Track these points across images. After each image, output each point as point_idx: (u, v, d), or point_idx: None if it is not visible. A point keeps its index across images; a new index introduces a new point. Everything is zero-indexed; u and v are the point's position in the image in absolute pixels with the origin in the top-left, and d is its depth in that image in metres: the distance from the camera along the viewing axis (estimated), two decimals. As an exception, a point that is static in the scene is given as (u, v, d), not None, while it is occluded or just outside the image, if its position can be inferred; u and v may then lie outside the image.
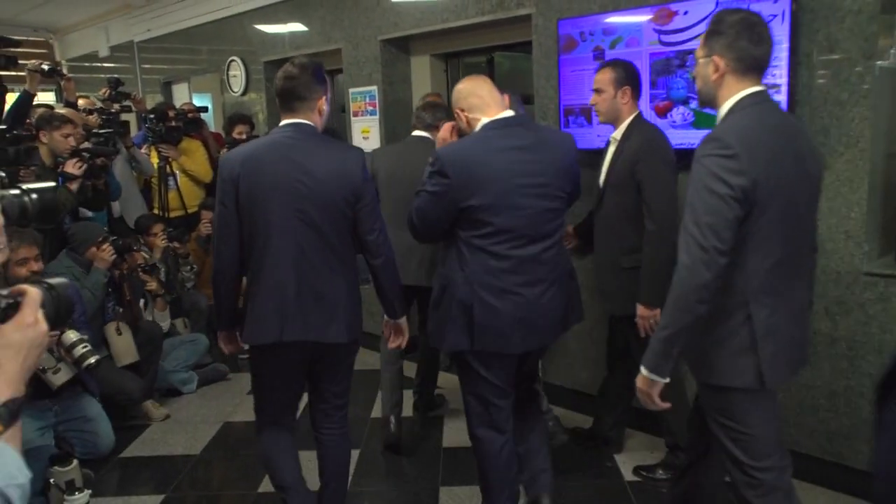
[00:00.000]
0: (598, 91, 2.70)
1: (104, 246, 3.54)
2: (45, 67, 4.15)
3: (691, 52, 2.79)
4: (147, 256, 4.02)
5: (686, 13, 2.80)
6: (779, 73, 2.58)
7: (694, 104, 2.83)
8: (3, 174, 1.27)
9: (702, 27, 2.73)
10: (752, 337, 1.75)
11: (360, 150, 2.39)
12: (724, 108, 1.78)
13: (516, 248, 2.15)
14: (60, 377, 2.99)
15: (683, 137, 2.88)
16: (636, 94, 2.69)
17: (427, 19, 3.97)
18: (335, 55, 4.67)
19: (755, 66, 1.76)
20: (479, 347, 2.19)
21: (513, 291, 2.16)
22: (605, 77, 2.67)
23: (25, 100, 4.01)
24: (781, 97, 2.58)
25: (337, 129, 5.11)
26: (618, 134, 2.70)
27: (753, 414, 1.81)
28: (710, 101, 1.83)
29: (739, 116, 1.74)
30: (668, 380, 1.79)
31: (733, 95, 1.76)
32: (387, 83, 4.34)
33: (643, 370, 1.80)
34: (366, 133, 4.53)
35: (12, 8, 6.88)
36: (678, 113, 2.90)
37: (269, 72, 5.31)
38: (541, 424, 2.61)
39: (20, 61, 3.84)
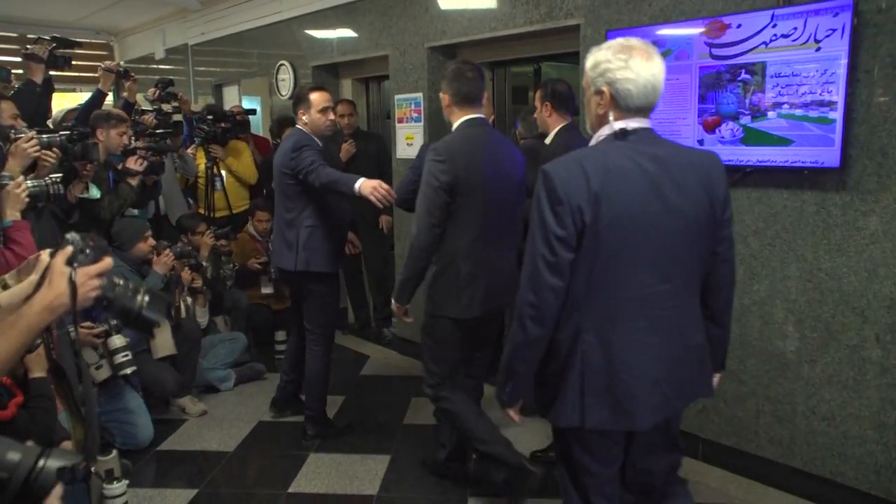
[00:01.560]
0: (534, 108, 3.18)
1: (166, 251, 3.69)
2: (121, 69, 4.33)
3: (743, 66, 2.73)
4: (191, 250, 4.11)
5: (739, 26, 2.73)
6: (834, 90, 2.50)
7: (744, 120, 2.76)
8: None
9: (755, 41, 2.68)
10: (457, 283, 2.63)
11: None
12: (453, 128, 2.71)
13: None
14: (102, 374, 3.17)
15: (731, 154, 2.81)
16: (560, 108, 3.06)
17: (475, 27, 3.97)
18: (382, 61, 4.71)
19: (469, 100, 2.66)
20: None
21: None
22: (535, 95, 3.17)
23: (98, 98, 4.18)
24: (836, 115, 2.50)
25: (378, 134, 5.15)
26: (547, 141, 3.12)
27: (449, 338, 2.73)
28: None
29: (453, 135, 2.68)
30: (408, 305, 2.75)
31: (457, 121, 2.69)
32: (433, 90, 4.35)
33: (393, 301, 2.81)
34: (410, 139, 4.55)
35: (78, 12, 7.14)
36: (727, 129, 2.83)
37: (317, 76, 5.38)
38: None
39: (86, 63, 4.00)
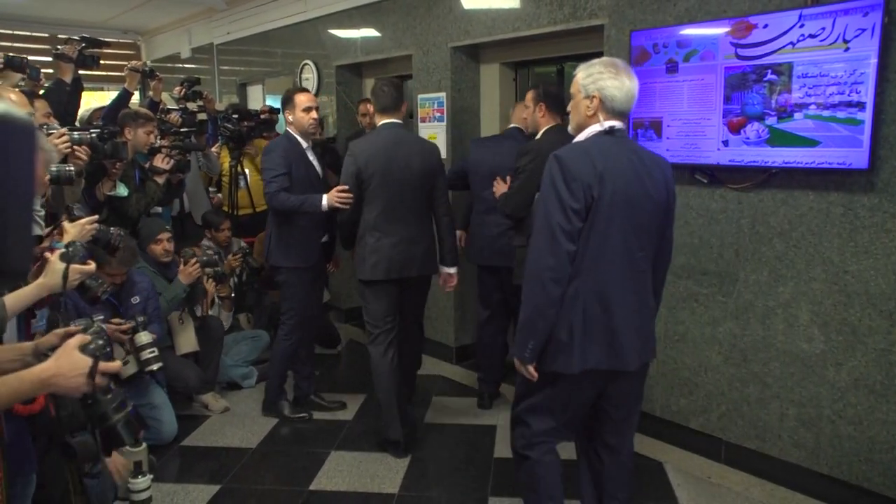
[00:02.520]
0: (526, 107, 3.41)
1: (193, 262, 3.71)
2: (147, 69, 4.41)
3: (770, 66, 2.70)
4: (217, 258, 4.13)
5: (766, 26, 2.70)
6: (863, 91, 2.46)
7: (770, 121, 2.73)
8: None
9: (782, 41, 2.65)
10: (365, 252, 3.25)
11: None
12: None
13: None
14: (128, 369, 3.20)
15: (757, 155, 2.78)
16: (553, 109, 3.27)
17: (498, 27, 3.97)
18: (405, 61, 4.72)
19: (385, 109, 3.31)
20: None
21: None
22: (529, 96, 3.38)
23: (124, 98, 4.25)
24: (865, 115, 2.46)
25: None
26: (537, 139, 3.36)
27: (369, 296, 3.30)
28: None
29: (368, 135, 3.51)
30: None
31: (378, 124, 3.35)
32: (455, 90, 4.35)
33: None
34: (432, 139, 4.56)
35: (107, 12, 7.26)
36: (752, 129, 2.80)
37: (340, 75, 5.41)
38: None
39: (113, 62, 4.08)
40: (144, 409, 3.36)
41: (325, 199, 3.35)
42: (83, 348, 1.37)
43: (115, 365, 1.45)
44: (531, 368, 2.10)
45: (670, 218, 2.17)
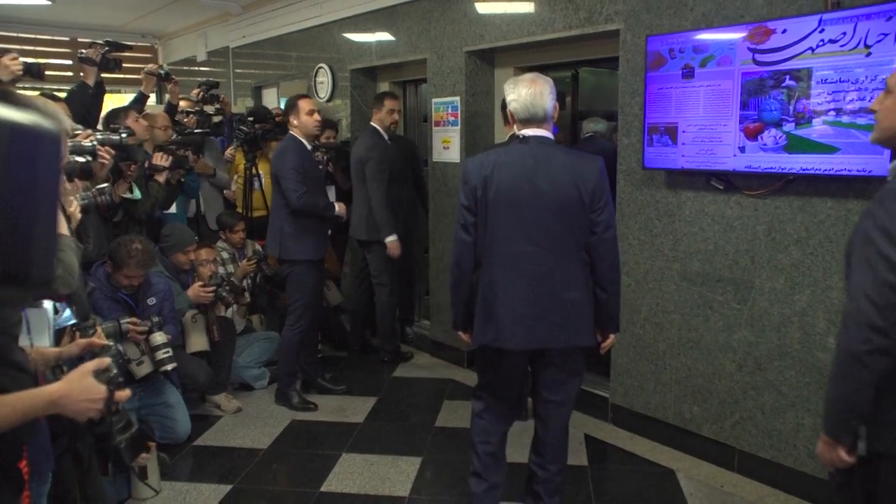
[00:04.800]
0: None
1: (209, 288, 3.76)
2: (163, 72, 4.45)
3: (788, 72, 2.68)
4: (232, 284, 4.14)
5: (784, 31, 2.68)
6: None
7: (787, 127, 2.71)
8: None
9: (801, 46, 2.63)
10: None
11: None
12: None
13: None
14: (143, 369, 3.23)
15: (774, 162, 2.76)
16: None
17: (513, 32, 3.97)
18: (420, 65, 4.73)
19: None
20: None
21: None
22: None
23: (140, 100, 4.34)
24: (885, 122, 2.43)
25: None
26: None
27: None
28: None
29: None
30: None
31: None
32: (470, 94, 4.36)
33: None
34: (447, 143, 4.56)
35: (125, 16, 7.34)
36: (769, 136, 2.78)
37: (355, 79, 5.43)
38: None
39: (130, 65, 4.14)
40: (159, 408, 3.39)
41: (336, 208, 3.97)
42: (98, 374, 1.37)
43: (125, 394, 1.45)
44: (461, 335, 2.54)
45: (594, 217, 2.30)
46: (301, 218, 3.82)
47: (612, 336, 2.47)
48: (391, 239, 4.35)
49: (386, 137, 4.52)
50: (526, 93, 2.31)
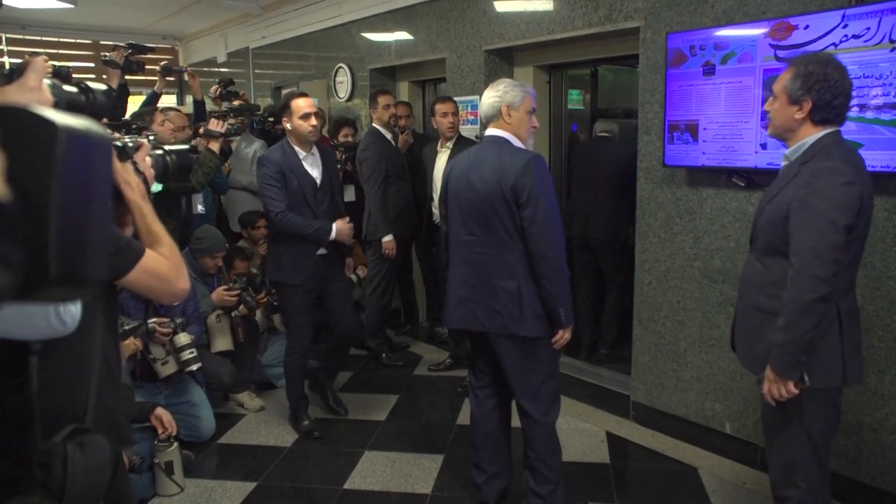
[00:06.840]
0: None
1: (233, 293, 3.77)
2: (168, 67, 4.55)
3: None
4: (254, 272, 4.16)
5: (807, 27, 2.66)
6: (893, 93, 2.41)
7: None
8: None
9: (824, 42, 2.61)
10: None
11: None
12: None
13: None
14: (168, 369, 3.30)
15: (797, 157, 2.74)
16: None
17: (532, 30, 3.97)
18: (439, 64, 4.75)
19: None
20: None
21: None
22: None
23: (153, 99, 4.42)
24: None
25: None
26: None
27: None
28: None
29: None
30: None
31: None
32: (488, 93, 4.36)
33: None
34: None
35: (147, 18, 7.43)
36: (793, 132, 2.75)
37: (374, 79, 5.46)
38: None
39: (153, 67, 4.20)
40: (184, 407, 3.44)
41: (333, 230, 3.34)
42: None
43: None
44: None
45: (521, 212, 2.41)
46: (285, 235, 3.34)
47: (560, 332, 2.51)
48: (386, 239, 4.36)
49: (389, 136, 4.53)
50: (485, 97, 2.57)
